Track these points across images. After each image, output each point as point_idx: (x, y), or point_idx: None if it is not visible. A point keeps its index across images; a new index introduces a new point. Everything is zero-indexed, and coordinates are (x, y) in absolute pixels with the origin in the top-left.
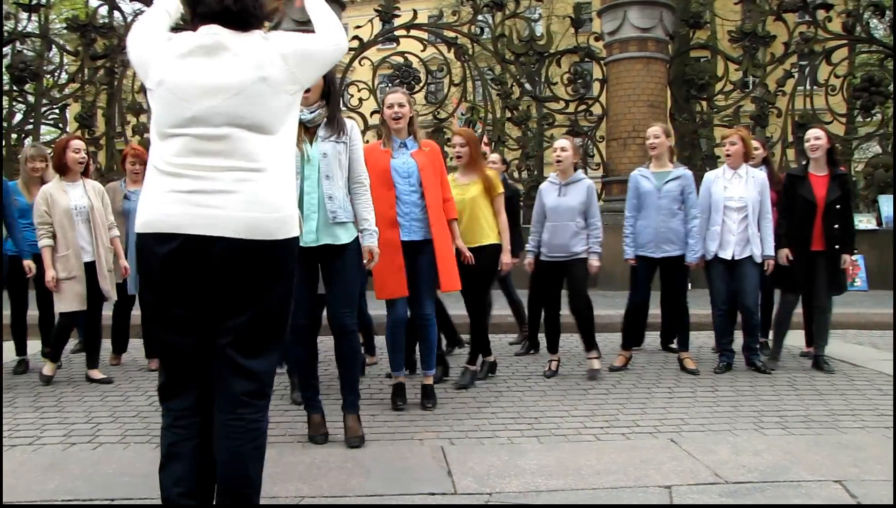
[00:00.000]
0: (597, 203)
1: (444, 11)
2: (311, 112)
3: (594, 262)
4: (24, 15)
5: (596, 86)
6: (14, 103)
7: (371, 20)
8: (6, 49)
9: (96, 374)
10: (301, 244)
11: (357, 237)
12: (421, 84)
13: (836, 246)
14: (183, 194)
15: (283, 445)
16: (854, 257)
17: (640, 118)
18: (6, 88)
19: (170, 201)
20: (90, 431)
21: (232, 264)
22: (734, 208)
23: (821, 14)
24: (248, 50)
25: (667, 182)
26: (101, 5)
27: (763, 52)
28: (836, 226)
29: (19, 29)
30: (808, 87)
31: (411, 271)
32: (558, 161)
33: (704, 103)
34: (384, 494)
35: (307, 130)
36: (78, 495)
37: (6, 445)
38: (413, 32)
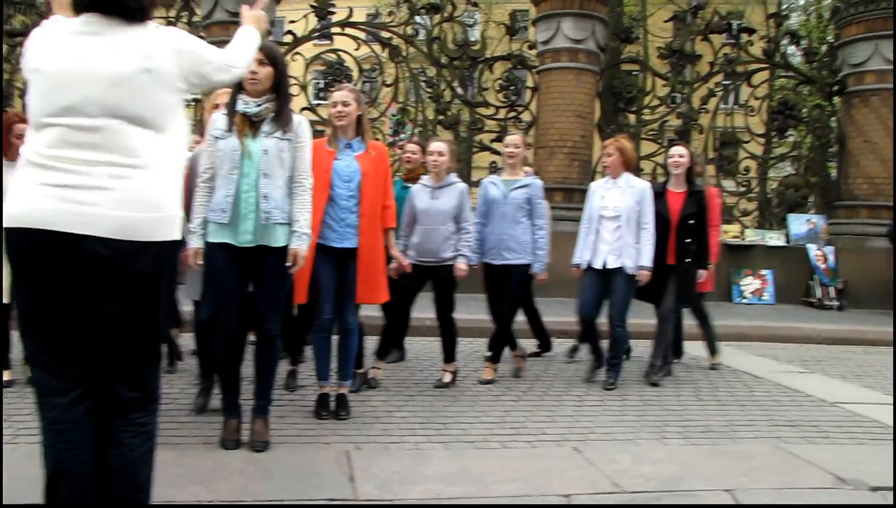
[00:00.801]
0: (469, 207)
1: (381, 11)
2: (258, 105)
3: (461, 265)
4: None
5: (527, 94)
6: None
7: (306, 15)
8: None
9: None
10: (236, 244)
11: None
12: (353, 83)
13: (688, 260)
14: (53, 188)
15: (185, 447)
16: (764, 273)
17: (568, 128)
18: None
19: (39, 195)
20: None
21: (101, 265)
22: (608, 218)
23: (745, 37)
24: (133, 40)
25: (513, 190)
26: None
27: (690, 70)
28: (689, 241)
29: None
30: (729, 106)
31: (338, 279)
32: (435, 165)
33: (632, 116)
34: (283, 499)
35: (251, 125)
36: None
37: None
38: (348, 30)
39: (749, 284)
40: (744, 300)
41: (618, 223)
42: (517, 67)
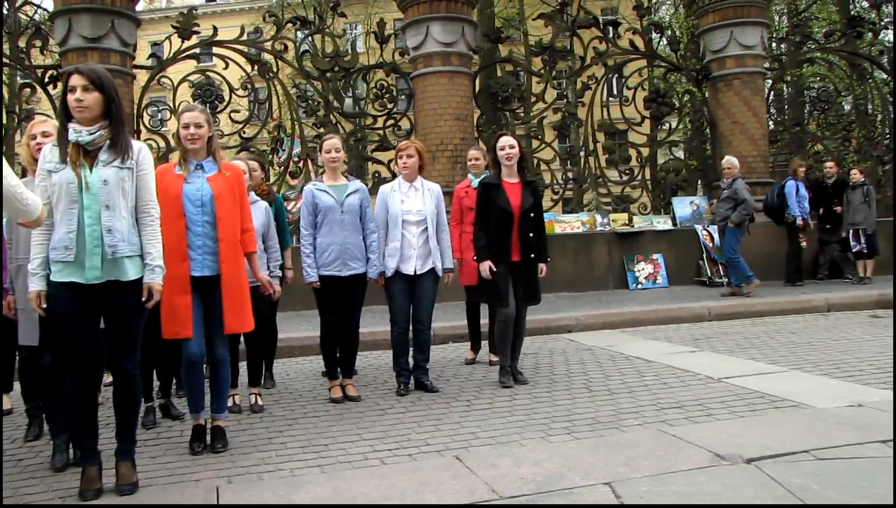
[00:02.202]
0: (274, 225)
1: (246, 28)
2: (91, 133)
3: (277, 287)
4: None
5: (401, 100)
6: None
7: (169, 37)
8: None
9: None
10: (82, 282)
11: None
12: (224, 103)
13: (532, 255)
14: None
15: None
16: (655, 257)
17: (447, 131)
18: None
19: None
20: None
21: None
22: (413, 222)
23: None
24: None
25: (347, 196)
26: None
27: (572, 65)
28: (532, 235)
29: None
30: (605, 98)
31: (204, 309)
32: (332, 162)
33: (510, 115)
34: None
35: (87, 154)
36: None
37: None
38: (216, 50)
39: (642, 269)
40: (639, 286)
41: (423, 226)
42: (390, 75)
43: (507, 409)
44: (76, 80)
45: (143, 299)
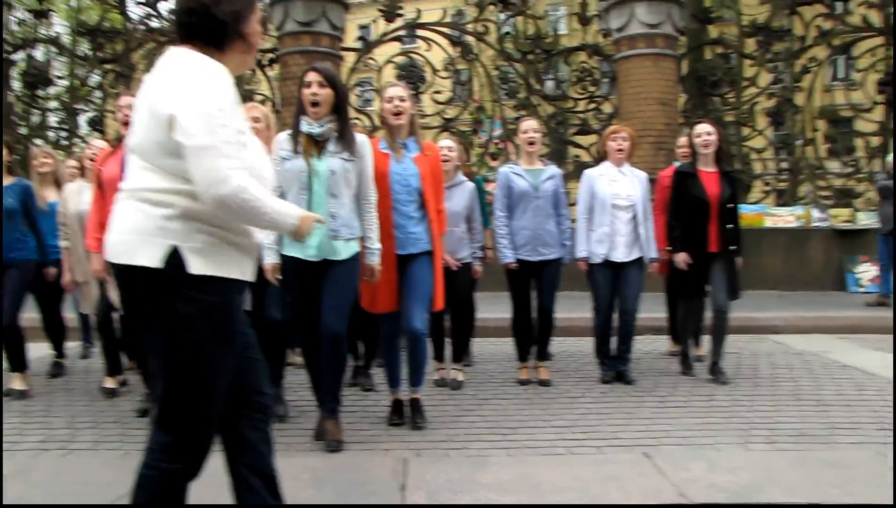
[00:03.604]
0: (479, 206)
1: (449, 11)
2: (321, 126)
3: (478, 267)
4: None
5: (604, 84)
6: (29, 109)
7: (375, 20)
8: (20, 55)
9: (109, 383)
10: (302, 257)
11: (357, 252)
12: (427, 84)
13: (732, 247)
14: None
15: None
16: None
17: (650, 116)
18: (20, 94)
19: None
20: (66, 437)
21: None
22: (622, 208)
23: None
24: (161, 70)
25: (543, 181)
26: (108, 10)
27: (790, 46)
28: (731, 226)
29: (30, 35)
30: (826, 82)
31: (404, 285)
32: (445, 161)
33: (718, 100)
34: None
35: (316, 144)
36: (30, 503)
37: None
38: (419, 32)
39: (865, 271)
40: (861, 289)
41: (632, 213)
42: (592, 57)
43: (704, 409)
44: (312, 76)
45: (367, 277)
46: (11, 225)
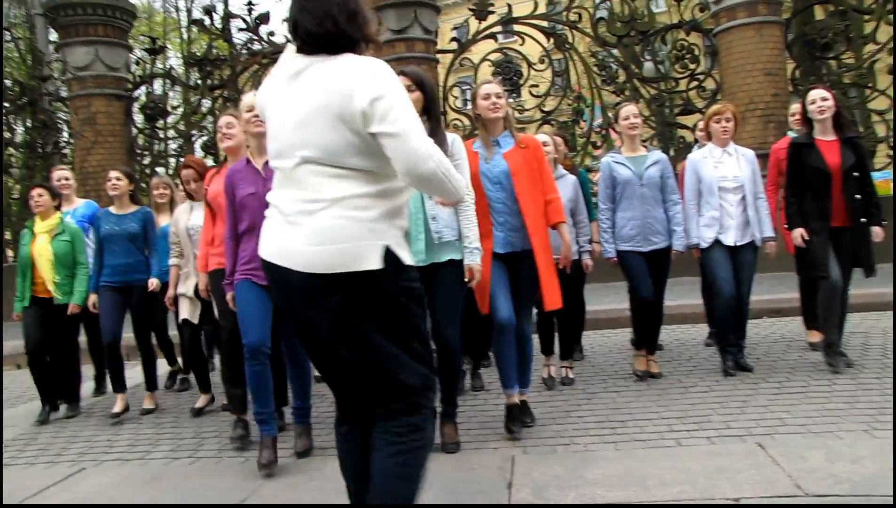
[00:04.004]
0: (583, 199)
1: (540, 2)
2: None
3: (588, 261)
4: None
5: (704, 60)
6: (150, 140)
7: (467, 20)
8: (139, 91)
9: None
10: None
11: (462, 255)
12: (524, 78)
13: (863, 219)
14: (274, 227)
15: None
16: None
17: (756, 88)
18: (141, 126)
19: (269, 232)
20: (193, 446)
21: (306, 297)
22: (730, 190)
23: None
24: (322, 75)
25: (647, 168)
26: (214, 39)
27: None
28: (859, 197)
29: (147, 71)
30: None
31: (511, 284)
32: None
33: (834, 63)
34: (436, 505)
35: None
36: None
37: (121, 459)
38: (513, 27)
39: None
40: None
41: (741, 194)
42: (690, 33)
43: (825, 395)
44: (402, 80)
45: (466, 279)
46: (134, 249)
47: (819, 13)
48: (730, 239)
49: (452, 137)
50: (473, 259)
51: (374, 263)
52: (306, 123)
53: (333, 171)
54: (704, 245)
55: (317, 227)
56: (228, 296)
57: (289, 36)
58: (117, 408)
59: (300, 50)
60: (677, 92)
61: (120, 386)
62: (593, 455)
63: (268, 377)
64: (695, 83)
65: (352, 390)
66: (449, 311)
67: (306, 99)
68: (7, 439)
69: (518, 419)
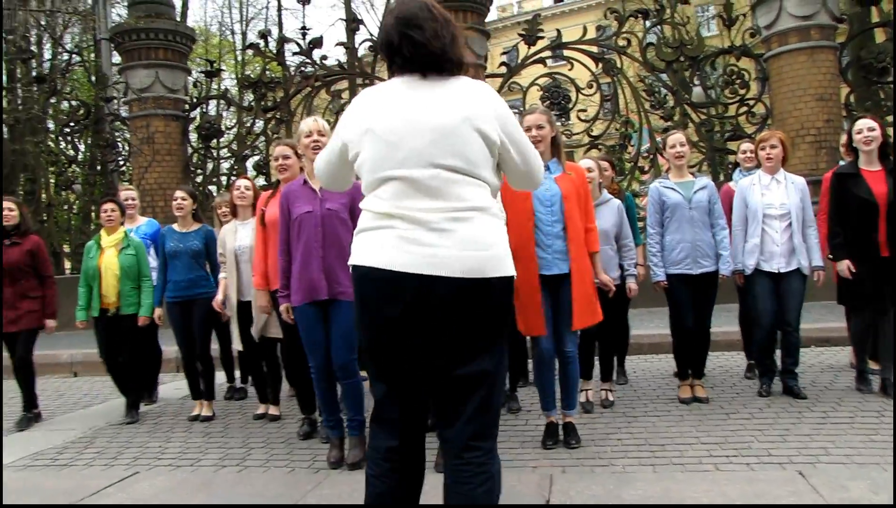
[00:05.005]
0: (628, 223)
1: (589, 27)
2: None
3: (633, 285)
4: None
5: (754, 85)
6: (204, 159)
7: (517, 45)
8: (195, 112)
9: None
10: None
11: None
12: (572, 103)
13: None
14: (401, 237)
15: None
16: None
17: (808, 114)
18: (196, 146)
19: (390, 243)
20: (241, 455)
21: (450, 305)
22: (775, 217)
23: None
24: (451, 93)
25: (696, 192)
26: (269, 62)
27: None
28: None
29: (203, 92)
30: None
31: (553, 307)
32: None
33: (892, 87)
34: None
35: None
36: None
37: (172, 465)
38: (561, 51)
39: None
40: None
41: (787, 221)
42: (740, 59)
43: (873, 426)
44: None
45: None
46: (196, 265)
47: (879, 36)
48: (773, 266)
49: None
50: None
51: (511, 269)
52: (448, 135)
53: (473, 181)
54: (747, 272)
55: (472, 233)
56: (283, 308)
57: (376, 54)
58: (206, 412)
59: (405, 70)
60: (727, 117)
61: (207, 393)
62: (631, 477)
63: (333, 391)
64: (744, 109)
65: (423, 416)
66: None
67: (443, 113)
68: (66, 441)
69: (553, 435)
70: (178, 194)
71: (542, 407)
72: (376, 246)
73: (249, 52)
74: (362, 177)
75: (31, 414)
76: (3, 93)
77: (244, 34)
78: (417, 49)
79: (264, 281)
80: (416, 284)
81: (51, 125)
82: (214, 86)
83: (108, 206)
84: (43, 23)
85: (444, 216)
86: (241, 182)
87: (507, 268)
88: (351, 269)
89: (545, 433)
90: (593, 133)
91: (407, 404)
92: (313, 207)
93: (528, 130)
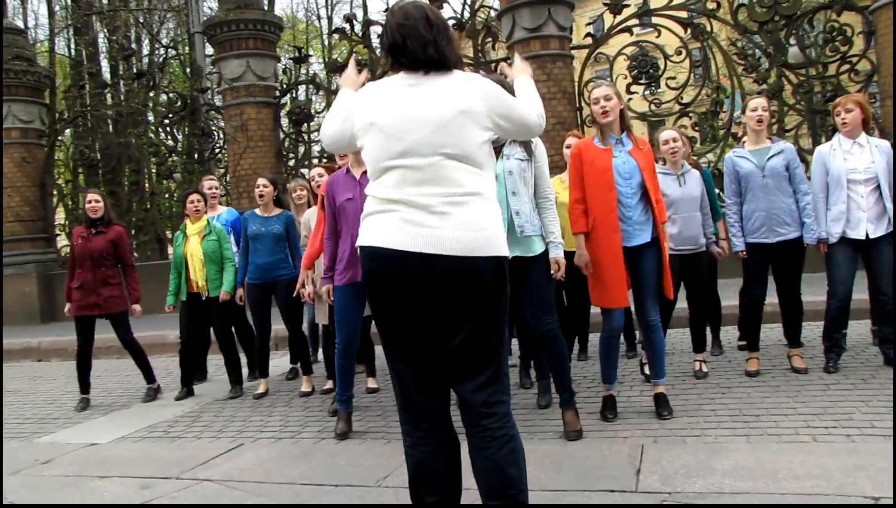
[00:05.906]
0: (706, 195)
1: None
2: None
3: (718, 249)
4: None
5: (858, 41)
6: (296, 144)
7: (602, 14)
8: (285, 98)
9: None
10: None
11: (546, 249)
12: (661, 71)
13: None
14: (404, 220)
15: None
16: None
17: None
18: (287, 131)
19: (394, 226)
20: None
21: (449, 281)
22: (860, 181)
23: None
24: (447, 87)
25: (769, 159)
26: (355, 45)
27: None
28: None
29: (293, 79)
30: None
31: (634, 277)
32: (673, 153)
33: None
34: (565, 490)
35: (495, 149)
36: (312, 480)
37: (274, 438)
38: (648, 19)
39: None
40: None
41: (873, 185)
42: (842, 13)
43: None
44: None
45: (552, 271)
46: (277, 249)
47: None
48: (860, 232)
49: (536, 141)
50: (558, 252)
51: (505, 249)
52: (447, 125)
53: (470, 168)
54: (832, 240)
55: (470, 215)
56: (324, 289)
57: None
58: (262, 389)
59: (407, 67)
60: (827, 77)
61: (265, 372)
62: (724, 447)
63: (352, 368)
64: (846, 67)
65: (439, 386)
66: (544, 301)
67: (441, 105)
68: (176, 416)
69: (612, 408)
70: (261, 181)
71: (604, 380)
72: (382, 228)
73: (336, 36)
74: (367, 165)
75: (153, 387)
76: (108, 89)
77: (330, 19)
78: (424, 50)
79: (311, 263)
80: (419, 261)
81: (150, 117)
82: (303, 71)
83: (195, 197)
84: (141, 20)
85: (443, 201)
86: (315, 171)
87: (501, 248)
88: (359, 250)
89: (603, 405)
90: (683, 101)
91: (422, 376)
92: (353, 194)
93: (595, 101)
